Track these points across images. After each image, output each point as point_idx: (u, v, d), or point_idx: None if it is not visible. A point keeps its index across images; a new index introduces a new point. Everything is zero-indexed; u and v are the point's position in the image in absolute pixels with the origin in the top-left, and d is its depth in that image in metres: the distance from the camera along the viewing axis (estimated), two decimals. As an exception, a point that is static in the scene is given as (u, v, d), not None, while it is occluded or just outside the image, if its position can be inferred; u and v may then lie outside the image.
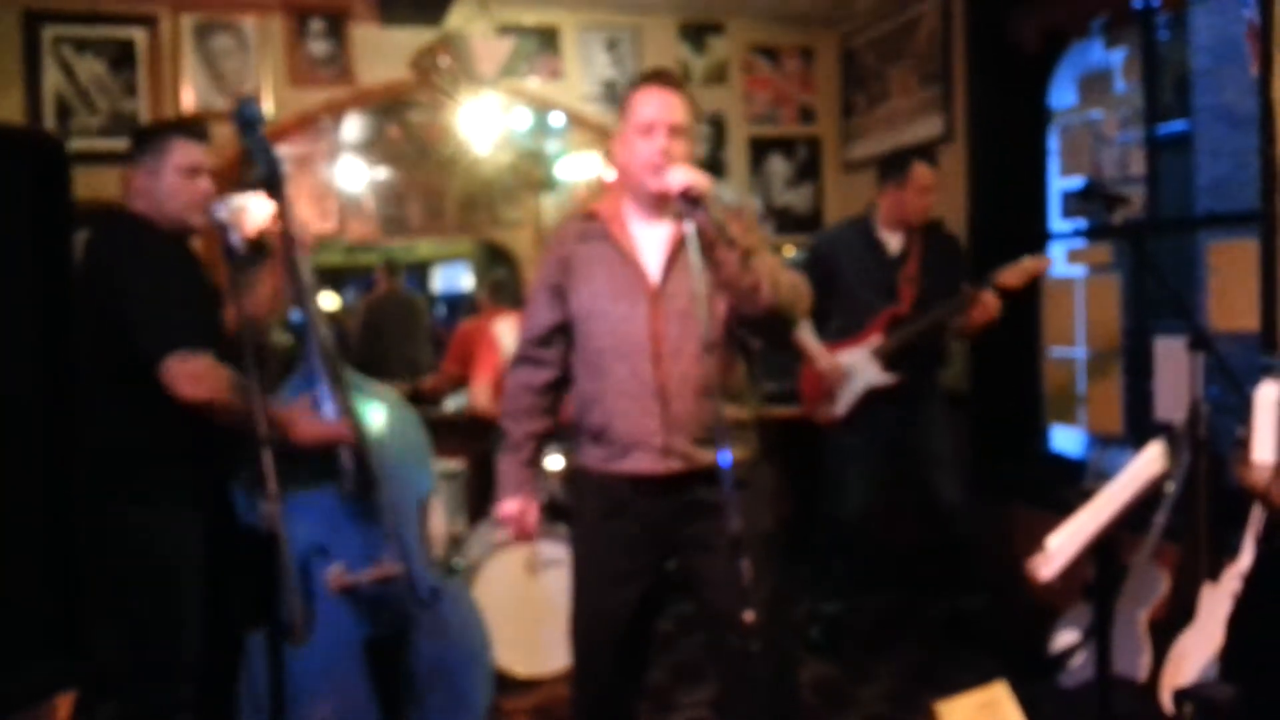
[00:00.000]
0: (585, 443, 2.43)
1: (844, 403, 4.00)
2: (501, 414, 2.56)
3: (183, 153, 2.61)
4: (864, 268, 4.00)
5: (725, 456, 2.04)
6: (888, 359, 3.92)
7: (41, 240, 1.14)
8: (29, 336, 1.12)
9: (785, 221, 5.51)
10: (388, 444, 2.81)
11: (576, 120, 5.33)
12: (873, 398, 3.95)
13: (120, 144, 4.37)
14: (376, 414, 2.86)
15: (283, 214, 2.51)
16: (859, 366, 3.95)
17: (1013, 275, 3.75)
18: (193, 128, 2.74)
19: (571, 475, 2.60)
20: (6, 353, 1.14)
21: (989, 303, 3.75)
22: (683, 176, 2.16)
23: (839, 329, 4.00)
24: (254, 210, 2.47)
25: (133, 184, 2.61)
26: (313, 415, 2.62)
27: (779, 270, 2.30)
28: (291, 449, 2.53)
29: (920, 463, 3.99)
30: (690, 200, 2.14)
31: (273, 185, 2.44)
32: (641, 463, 2.32)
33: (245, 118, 2.45)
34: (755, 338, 2.43)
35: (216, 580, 2.60)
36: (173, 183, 2.59)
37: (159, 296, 2.43)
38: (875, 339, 3.95)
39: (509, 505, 2.50)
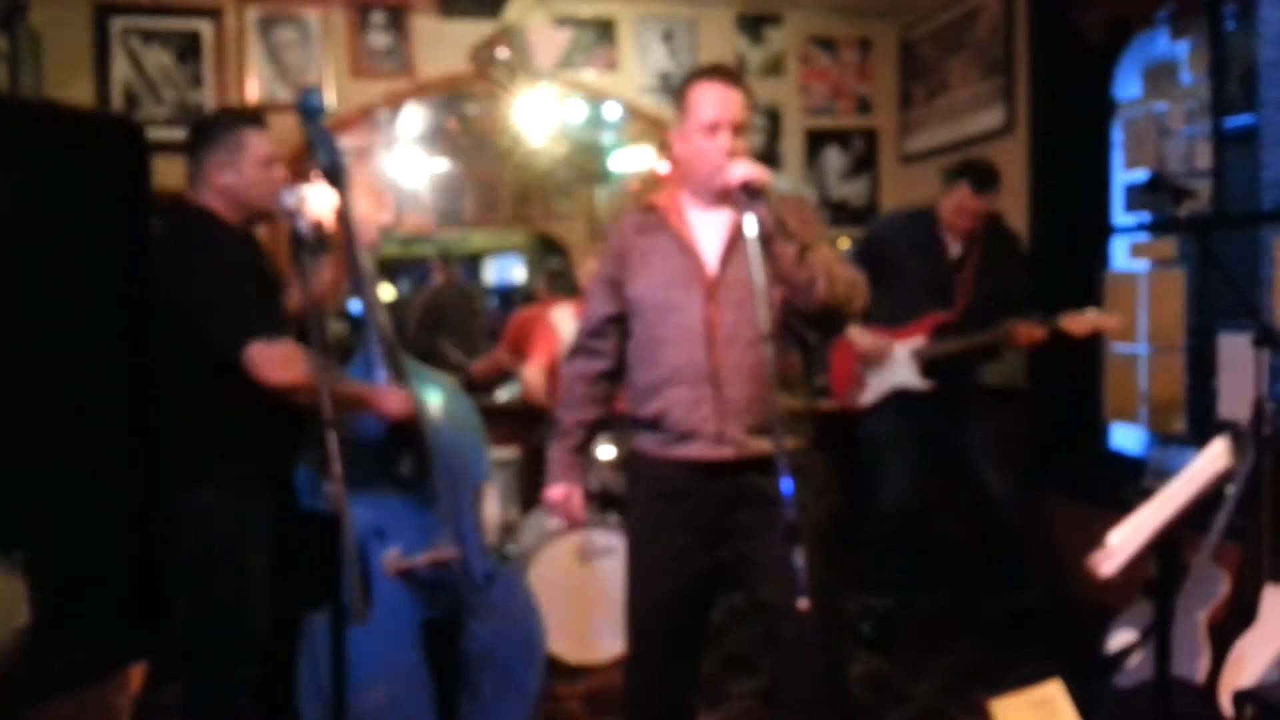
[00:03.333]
0: (641, 431, 2.46)
1: (872, 393, 3.96)
2: (556, 403, 2.61)
3: (259, 145, 2.63)
4: (921, 264, 3.94)
5: (779, 444, 2.05)
6: (926, 365, 3.88)
7: (123, 223, 1.17)
8: (113, 318, 1.16)
9: (841, 214, 5.48)
10: (444, 430, 2.86)
11: (632, 112, 5.34)
12: (903, 394, 3.92)
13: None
14: (434, 400, 2.91)
15: (343, 204, 2.59)
16: (896, 362, 3.91)
17: (1077, 324, 3.71)
18: (257, 118, 2.76)
19: (626, 460, 2.63)
20: (91, 335, 1.17)
21: (1030, 334, 3.73)
22: (743, 170, 2.17)
23: (883, 317, 3.89)
24: (314, 199, 2.50)
25: (210, 179, 2.61)
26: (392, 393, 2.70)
27: (836, 265, 2.30)
28: (383, 426, 2.66)
29: (967, 459, 3.95)
30: (750, 193, 2.15)
31: (334, 175, 2.56)
32: (696, 449, 2.35)
33: (308, 108, 2.59)
34: (809, 330, 2.43)
35: (279, 563, 2.65)
36: (254, 175, 2.61)
37: (230, 288, 2.46)
38: (918, 339, 3.89)
39: (555, 490, 2.57)
